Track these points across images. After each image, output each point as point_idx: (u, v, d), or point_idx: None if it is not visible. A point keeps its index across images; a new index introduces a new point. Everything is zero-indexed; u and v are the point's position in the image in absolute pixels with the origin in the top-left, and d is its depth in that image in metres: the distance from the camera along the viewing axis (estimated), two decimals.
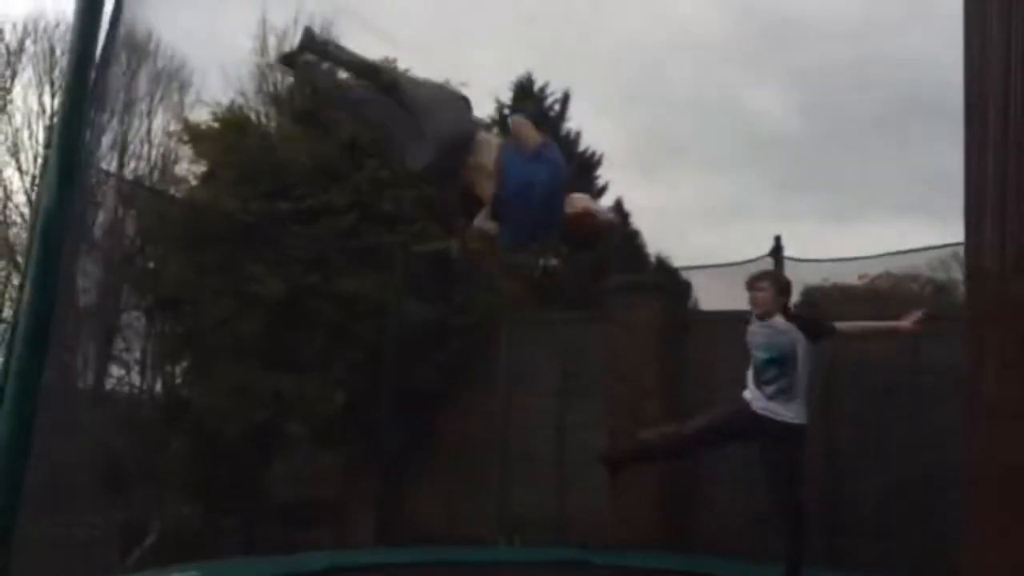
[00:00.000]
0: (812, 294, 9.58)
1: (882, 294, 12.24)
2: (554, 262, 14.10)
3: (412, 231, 7.18)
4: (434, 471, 7.38)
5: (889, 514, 5.48)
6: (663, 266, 14.84)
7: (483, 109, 19.12)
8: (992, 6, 1.25)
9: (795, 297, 8.27)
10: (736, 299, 7.67)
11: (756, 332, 4.68)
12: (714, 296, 9.25)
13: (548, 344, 7.08)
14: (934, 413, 5.27)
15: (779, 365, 4.53)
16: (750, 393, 4.64)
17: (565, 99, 17.77)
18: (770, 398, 4.52)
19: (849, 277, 13.43)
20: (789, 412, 4.47)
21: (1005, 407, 1.14)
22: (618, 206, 17.57)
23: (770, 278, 4.87)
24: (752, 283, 4.77)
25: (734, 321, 6.32)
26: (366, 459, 6.99)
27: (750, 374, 4.68)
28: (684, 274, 9.55)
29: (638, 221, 18.27)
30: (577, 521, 6.65)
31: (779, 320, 4.61)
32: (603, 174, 17.51)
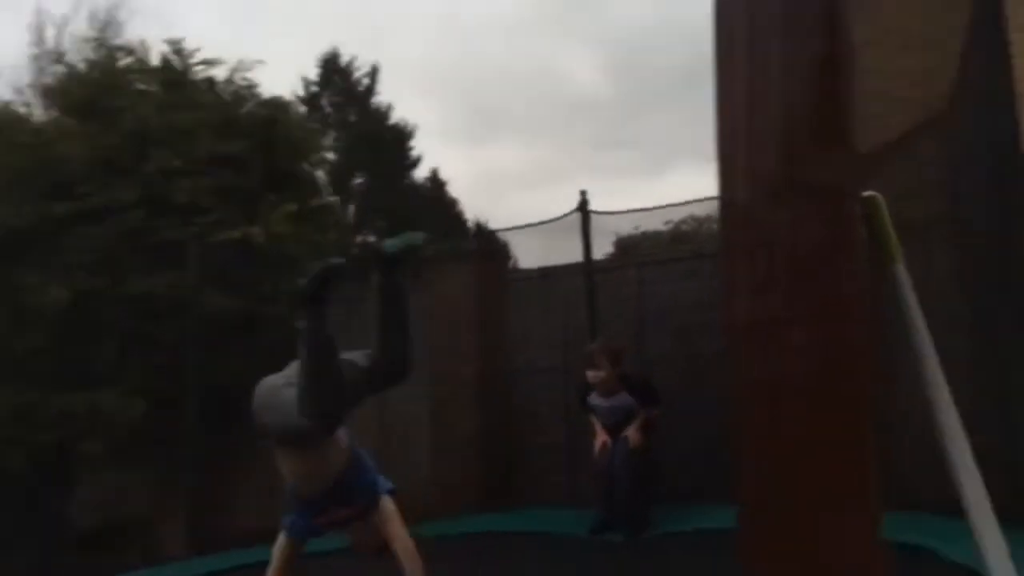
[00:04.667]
0: (624, 242, 9.91)
1: (687, 236, 12.93)
2: (372, 238, 13.82)
3: (209, 221, 6.74)
4: (255, 469, 7.04)
5: (700, 444, 5.75)
6: (482, 231, 14.94)
7: (288, 87, 18.40)
8: None
9: (608, 247, 8.54)
10: (552, 254, 7.80)
11: (599, 406, 5.23)
12: (531, 254, 9.33)
13: (367, 322, 6.87)
14: None
15: (623, 423, 5.16)
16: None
17: (374, 73, 17.44)
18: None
19: (657, 224, 14.08)
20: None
21: (757, 330, 1.12)
22: (434, 175, 17.52)
23: (605, 354, 5.17)
24: (591, 363, 5.18)
25: (551, 276, 6.45)
26: (176, 468, 6.57)
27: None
28: (502, 236, 9.59)
29: (456, 189, 18.29)
30: (400, 492, 6.56)
31: (621, 397, 5.18)
32: (417, 145, 17.38)
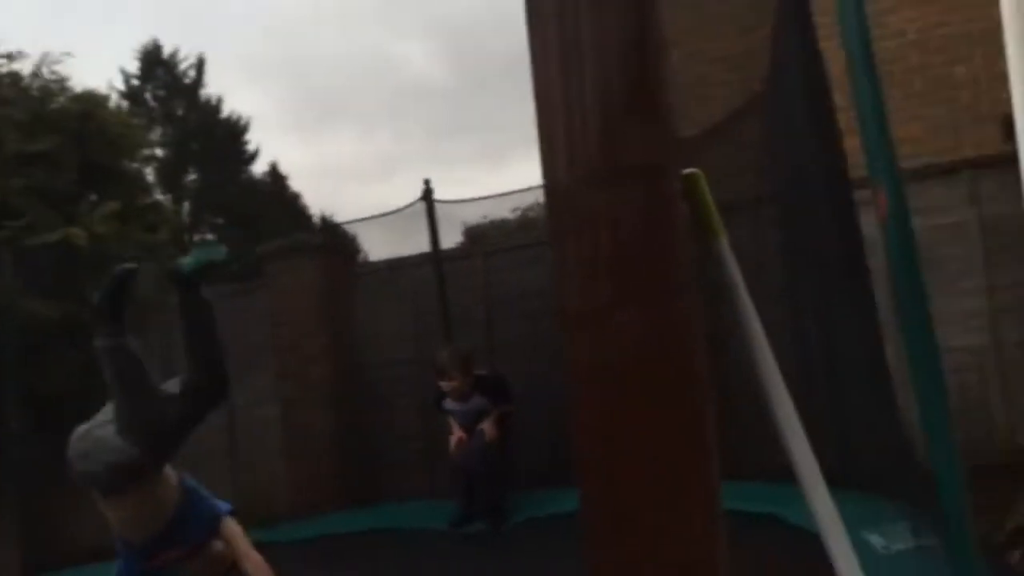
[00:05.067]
0: (473, 231, 9.94)
1: (535, 223, 13.11)
2: (210, 237, 13.22)
3: (21, 224, 6.22)
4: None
5: (550, 429, 5.86)
6: (327, 224, 14.58)
7: (104, 80, 17.25)
8: None
9: (457, 236, 8.53)
10: (398, 246, 7.71)
11: (454, 411, 5.23)
12: (378, 246, 9.20)
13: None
14: None
15: (474, 421, 5.19)
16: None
17: (200, 64, 16.61)
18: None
19: (504, 212, 14.21)
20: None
21: (588, 314, 1.11)
22: (273, 170, 16.93)
23: (455, 366, 5.13)
24: (441, 375, 5.14)
25: (398, 268, 6.37)
26: (2, 485, 6.06)
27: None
28: (348, 230, 9.41)
29: (297, 183, 17.76)
30: (256, 500, 6.36)
31: (475, 400, 5.17)
32: (253, 138, 16.73)
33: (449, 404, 5.24)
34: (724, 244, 1.41)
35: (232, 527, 3.17)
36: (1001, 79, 2.87)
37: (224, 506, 3.22)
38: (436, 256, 6.13)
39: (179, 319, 2.88)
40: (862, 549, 2.16)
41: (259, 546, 3.97)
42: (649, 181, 1.20)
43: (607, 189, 1.18)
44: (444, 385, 5.14)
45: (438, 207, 6.19)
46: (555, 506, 4.91)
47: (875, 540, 3.17)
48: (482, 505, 5.05)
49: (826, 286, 3.97)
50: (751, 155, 5.21)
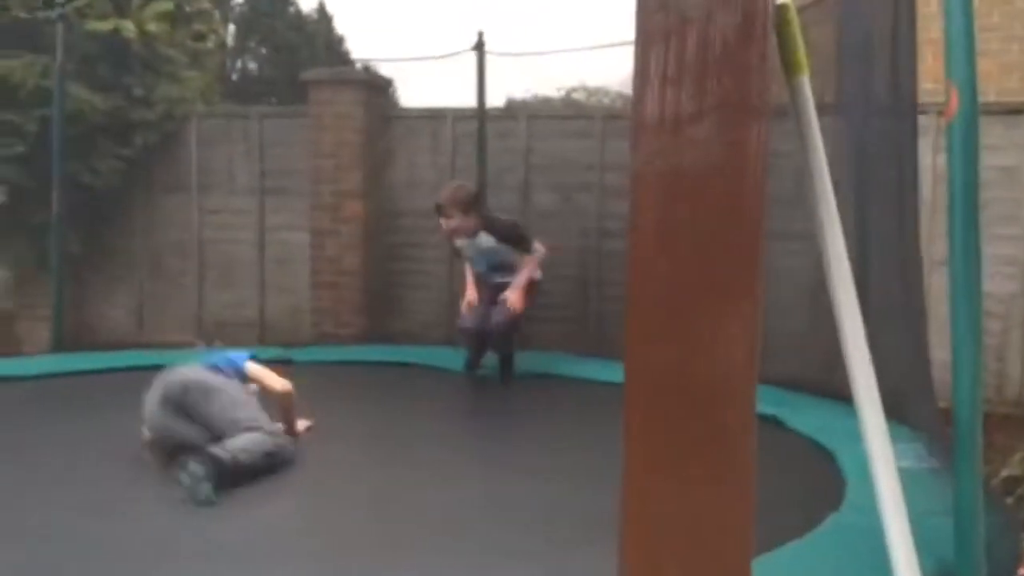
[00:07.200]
0: (514, 105, 9.84)
1: (577, 106, 13.00)
2: (252, 65, 13.08)
3: (75, 5, 6.17)
4: (121, 278, 6.83)
5: (570, 299, 5.99)
6: (369, 64, 14.34)
7: None
8: None
9: (498, 99, 8.42)
10: (438, 93, 7.66)
11: (466, 247, 5.07)
12: (421, 93, 9.13)
13: (243, 141, 6.63)
14: (617, 204, 5.75)
15: (498, 267, 5.03)
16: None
17: None
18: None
19: (549, 90, 14.04)
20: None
21: (661, 124, 1.15)
22: (321, 7, 16.53)
23: (454, 204, 4.90)
24: (439, 210, 4.95)
25: (440, 117, 6.34)
26: (39, 265, 6.26)
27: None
28: (388, 69, 9.30)
29: (342, 24, 17.33)
30: (279, 323, 6.58)
31: (483, 238, 4.97)
32: None
33: (459, 241, 5.07)
34: (805, 81, 1.44)
35: (255, 368, 3.68)
36: None
37: (242, 355, 3.73)
38: (481, 108, 6.08)
39: None
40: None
41: (279, 364, 4.22)
42: None
43: None
44: (443, 223, 4.97)
45: (488, 63, 6.08)
46: (568, 369, 5.15)
47: None
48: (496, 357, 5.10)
49: (878, 205, 3.93)
50: (819, 61, 5.08)
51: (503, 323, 4.86)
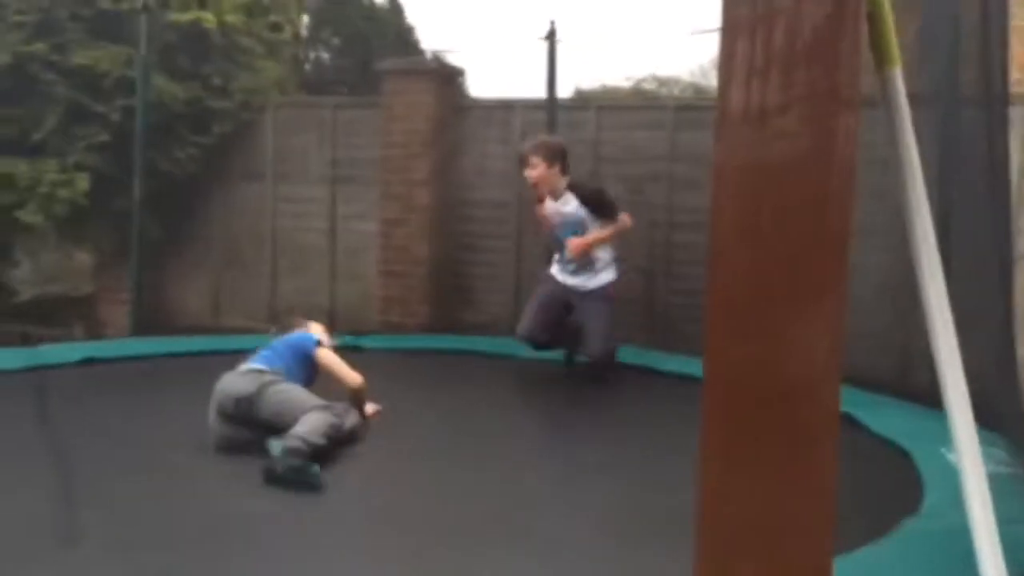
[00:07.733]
0: (583, 96, 9.78)
1: (647, 96, 12.83)
2: (325, 56, 13.29)
3: None
4: (197, 264, 7.02)
5: (636, 293, 5.92)
6: (440, 54, 14.44)
7: None
8: None
9: (567, 91, 8.38)
10: (508, 85, 7.61)
11: (551, 211, 4.88)
12: (492, 84, 9.10)
13: (317, 130, 6.74)
14: (687, 196, 5.68)
15: (575, 234, 4.84)
16: (556, 268, 5.01)
17: None
18: (572, 274, 4.92)
19: (619, 80, 13.90)
20: (591, 283, 4.88)
21: (749, 115, 1.12)
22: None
23: (539, 151, 4.83)
24: (523, 160, 4.86)
25: (510, 108, 6.33)
26: (120, 250, 6.48)
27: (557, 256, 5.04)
28: (458, 59, 9.32)
29: (413, 15, 17.47)
30: (348, 311, 6.68)
31: (569, 199, 4.84)
32: None
33: (546, 206, 4.86)
34: (897, 73, 1.39)
35: (326, 356, 3.77)
36: None
37: (311, 338, 3.81)
38: (552, 101, 6.05)
39: None
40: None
41: (349, 350, 4.29)
42: None
43: None
44: (527, 174, 4.84)
45: (558, 53, 6.04)
46: (637, 361, 5.10)
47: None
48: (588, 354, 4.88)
49: (963, 200, 3.79)
50: (907, 54, 4.90)
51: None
